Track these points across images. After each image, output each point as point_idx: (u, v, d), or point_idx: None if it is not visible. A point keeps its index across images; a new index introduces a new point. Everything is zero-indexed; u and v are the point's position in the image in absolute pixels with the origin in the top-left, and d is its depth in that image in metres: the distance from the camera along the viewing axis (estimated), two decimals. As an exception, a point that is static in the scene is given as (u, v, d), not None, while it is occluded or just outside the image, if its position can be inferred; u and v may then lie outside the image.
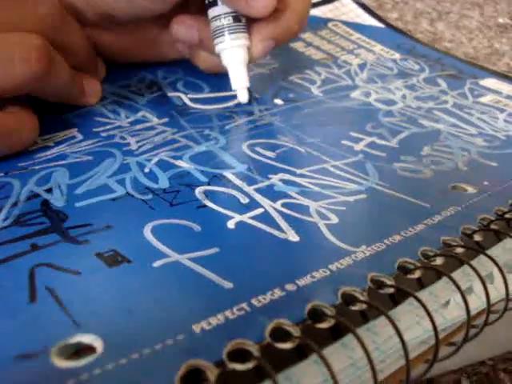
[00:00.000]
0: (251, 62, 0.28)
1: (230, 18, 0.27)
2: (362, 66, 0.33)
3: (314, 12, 0.40)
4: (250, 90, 0.28)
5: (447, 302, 0.17)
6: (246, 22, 0.27)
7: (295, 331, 0.14)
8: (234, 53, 0.27)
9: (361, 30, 0.38)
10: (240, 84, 0.28)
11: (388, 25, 0.39)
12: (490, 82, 0.32)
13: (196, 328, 0.14)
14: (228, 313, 0.14)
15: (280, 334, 0.14)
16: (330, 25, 0.39)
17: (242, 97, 0.28)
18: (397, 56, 0.35)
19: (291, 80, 0.31)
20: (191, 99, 0.29)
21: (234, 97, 0.29)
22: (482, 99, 0.30)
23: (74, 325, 0.14)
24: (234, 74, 0.28)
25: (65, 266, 0.17)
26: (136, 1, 0.26)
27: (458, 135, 0.26)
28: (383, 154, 0.24)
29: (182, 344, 0.13)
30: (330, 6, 0.40)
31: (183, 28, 0.28)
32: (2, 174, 0.22)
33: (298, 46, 0.36)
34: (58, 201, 0.20)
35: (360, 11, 0.41)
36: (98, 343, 0.14)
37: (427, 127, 0.27)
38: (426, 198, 0.21)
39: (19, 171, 0.22)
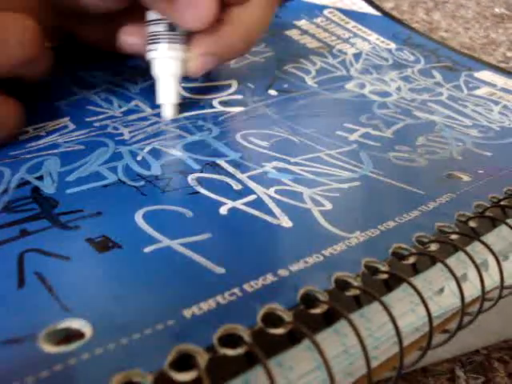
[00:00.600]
0: (188, 76, 0.26)
1: (166, 25, 0.24)
2: (357, 56, 0.33)
3: (311, -1, 0.40)
4: (179, 105, 0.27)
5: (441, 289, 0.17)
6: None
7: (287, 316, 0.14)
8: (165, 64, 0.25)
9: (357, 18, 0.38)
10: (167, 99, 0.26)
11: (384, 13, 0.39)
12: (485, 75, 0.32)
13: (187, 313, 0.14)
14: (219, 298, 0.14)
15: (272, 319, 0.14)
16: (325, 12, 0.39)
17: (167, 113, 0.26)
18: (392, 46, 0.35)
19: (286, 70, 0.31)
20: (185, 88, 0.28)
21: (229, 87, 0.29)
22: (477, 92, 0.30)
23: (62, 310, 0.14)
24: (163, 87, 0.25)
25: (54, 251, 0.16)
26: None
27: (452, 126, 0.26)
28: (378, 144, 0.24)
29: (172, 329, 0.13)
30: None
31: (128, 39, 0.26)
32: (-8, 162, 0.22)
33: (293, 33, 0.35)
34: (48, 188, 0.20)
35: (356, -1, 0.41)
36: (86, 328, 0.13)
37: (422, 119, 0.27)
38: (420, 185, 0.21)
39: (10, 160, 0.22)
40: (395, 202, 0.20)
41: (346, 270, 0.16)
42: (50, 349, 0.13)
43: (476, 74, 0.32)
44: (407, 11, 0.41)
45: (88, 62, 0.30)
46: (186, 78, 0.29)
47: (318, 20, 0.37)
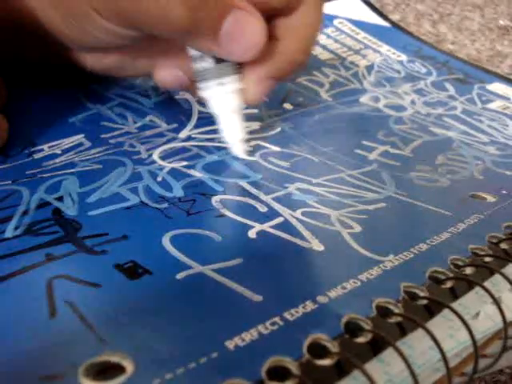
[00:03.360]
0: (248, 105, 0.24)
1: (212, 59, 0.22)
2: (369, 68, 0.33)
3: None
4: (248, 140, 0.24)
5: (477, 314, 0.17)
6: None
7: (333, 346, 0.13)
8: (222, 101, 0.22)
9: (367, 28, 0.38)
10: (234, 137, 0.23)
11: (393, 24, 0.39)
12: (498, 87, 0.32)
13: (229, 345, 0.13)
14: (261, 328, 0.14)
15: (317, 349, 0.13)
16: (335, 22, 0.39)
17: (238, 150, 0.24)
18: (404, 58, 0.35)
19: (299, 82, 0.31)
20: (199, 102, 0.28)
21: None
22: (491, 105, 0.30)
23: (99, 342, 0.13)
24: (226, 126, 0.23)
25: (83, 278, 0.16)
26: (93, 34, 0.22)
27: (470, 143, 0.26)
28: (398, 164, 0.24)
29: (217, 362, 0.13)
30: (335, 3, 0.40)
31: (168, 76, 0.24)
32: (9, 182, 0.21)
33: (303, 45, 0.35)
34: (69, 209, 0.20)
35: (365, 9, 0.40)
36: (126, 362, 0.13)
37: (439, 135, 0.27)
38: (446, 206, 0.21)
39: (27, 179, 0.21)
40: (424, 223, 0.20)
41: (384, 295, 0.15)
42: (90, 384, 0.12)
43: (488, 87, 0.32)
44: (413, 23, 0.41)
45: (99, 75, 0.30)
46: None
47: (329, 30, 0.37)
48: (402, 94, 0.30)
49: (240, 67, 0.22)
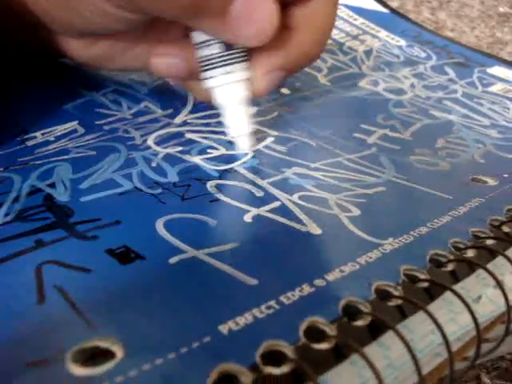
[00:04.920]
0: (255, 98, 0.22)
1: (221, 44, 0.20)
2: (367, 53, 0.32)
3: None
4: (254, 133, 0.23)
5: (479, 297, 0.16)
6: None
7: (331, 330, 0.13)
8: (228, 91, 0.21)
9: (365, 14, 0.37)
10: (240, 130, 0.22)
11: (392, 10, 0.38)
12: (498, 70, 0.31)
13: (223, 329, 0.13)
14: (256, 311, 0.13)
15: (314, 332, 0.13)
16: (333, 9, 0.38)
17: (244, 145, 0.22)
18: (402, 43, 0.34)
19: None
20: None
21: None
22: (492, 88, 0.29)
23: (89, 327, 0.13)
24: (231, 118, 0.22)
25: (74, 263, 0.16)
26: (85, 15, 0.20)
27: (470, 126, 0.26)
28: (397, 147, 0.24)
29: (210, 346, 0.12)
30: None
31: (164, 62, 0.22)
32: (1, 169, 0.21)
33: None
34: (61, 195, 0.19)
35: (365, -6, 0.40)
36: (116, 347, 0.12)
37: (439, 118, 0.26)
38: (446, 190, 0.20)
39: (19, 166, 0.21)
40: (424, 207, 0.19)
41: (383, 278, 0.15)
42: (79, 370, 0.12)
43: (489, 70, 0.31)
44: (412, 10, 0.41)
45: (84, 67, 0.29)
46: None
47: (326, 18, 0.37)
48: (401, 78, 0.30)
49: (248, 55, 0.21)
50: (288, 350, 0.12)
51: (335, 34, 0.34)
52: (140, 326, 0.13)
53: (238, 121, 0.22)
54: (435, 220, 0.18)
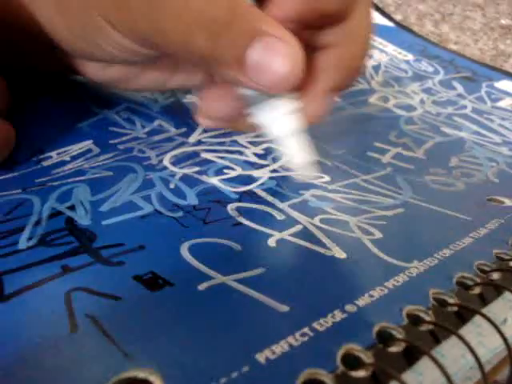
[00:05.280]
0: (312, 124, 0.21)
1: None
2: (376, 68, 0.33)
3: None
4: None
5: (505, 320, 0.17)
6: None
7: (367, 357, 0.13)
8: (281, 124, 0.19)
9: (371, 28, 0.38)
10: (299, 160, 0.20)
11: (397, 24, 0.39)
12: (506, 85, 0.32)
13: (260, 357, 0.13)
14: (291, 339, 0.13)
15: (350, 359, 0.13)
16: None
17: (306, 173, 0.21)
18: (410, 57, 0.34)
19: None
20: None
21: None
22: (501, 103, 0.30)
23: (125, 357, 0.13)
24: (289, 150, 0.20)
25: (102, 290, 0.15)
26: (103, 47, 0.20)
27: (482, 144, 0.26)
28: (412, 167, 0.24)
29: (249, 376, 0.12)
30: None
31: (215, 106, 0.21)
32: (19, 191, 0.21)
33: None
34: (82, 219, 0.19)
35: (370, 9, 0.40)
36: (154, 377, 0.12)
37: (451, 135, 0.26)
38: (464, 211, 0.20)
39: (37, 187, 0.21)
40: (444, 229, 0.19)
41: (412, 302, 0.15)
42: (119, 402, 0.12)
43: (496, 84, 0.32)
44: (415, 23, 0.41)
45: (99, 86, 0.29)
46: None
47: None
48: (410, 94, 0.30)
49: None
50: (327, 378, 0.12)
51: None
52: (176, 356, 0.13)
53: (296, 151, 0.20)
54: (457, 242, 0.18)
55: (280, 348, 0.13)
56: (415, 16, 0.43)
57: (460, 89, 0.31)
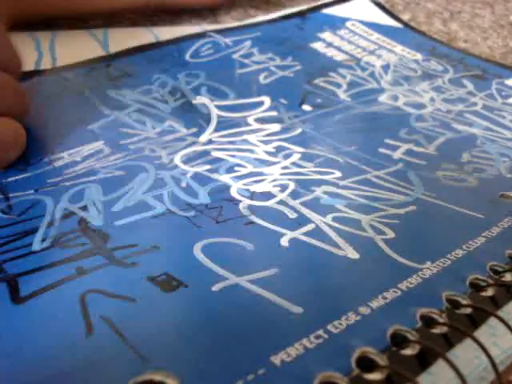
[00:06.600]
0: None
1: None
2: (385, 68, 0.32)
3: (331, 11, 0.39)
4: None
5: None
6: None
7: (381, 360, 0.13)
8: None
9: (379, 29, 0.38)
10: None
11: (405, 24, 0.38)
12: (516, 82, 0.31)
13: (275, 360, 0.13)
14: (306, 342, 0.14)
15: (365, 362, 0.13)
16: (348, 24, 0.38)
17: None
18: (418, 56, 0.34)
19: (316, 84, 0.30)
20: (217, 106, 0.28)
21: (261, 103, 0.28)
22: (511, 100, 0.30)
23: (141, 360, 0.13)
24: None
25: (117, 291, 0.16)
26: None
27: (494, 140, 0.26)
28: (423, 162, 0.24)
29: (265, 379, 0.12)
30: (346, 5, 0.39)
31: None
32: (32, 192, 0.21)
33: (318, 46, 0.35)
34: (95, 219, 0.19)
35: (377, 11, 0.40)
36: (170, 380, 0.13)
37: (462, 132, 0.26)
38: (476, 208, 0.20)
39: (49, 188, 0.21)
40: (457, 227, 0.19)
41: (425, 304, 0.15)
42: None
43: (507, 82, 0.32)
44: (424, 22, 0.41)
45: (114, 80, 0.29)
46: (215, 95, 0.28)
47: (342, 32, 0.37)
48: (420, 92, 0.30)
49: None
50: (343, 381, 0.12)
51: (352, 49, 0.35)
52: (192, 358, 0.13)
53: None
54: (470, 242, 0.18)
55: (295, 351, 0.13)
56: (424, 14, 0.43)
57: (470, 87, 0.31)
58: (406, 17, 0.42)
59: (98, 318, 0.15)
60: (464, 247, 0.18)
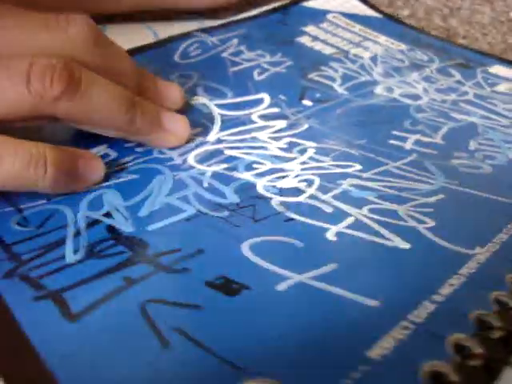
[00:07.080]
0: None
1: None
2: (374, 59, 0.33)
3: (311, 4, 0.39)
4: None
5: None
6: None
7: (476, 346, 0.13)
8: None
9: (360, 21, 0.38)
10: None
11: (385, 15, 0.39)
12: (499, 69, 0.32)
13: (372, 354, 0.13)
14: (395, 333, 0.13)
15: (460, 349, 0.13)
16: (329, 17, 0.38)
17: None
18: (403, 47, 0.35)
19: (311, 78, 0.30)
20: (217, 105, 0.27)
21: (261, 100, 0.27)
22: (499, 88, 0.31)
23: (236, 370, 0.12)
24: None
25: (177, 299, 0.15)
26: None
27: (494, 127, 0.27)
28: (434, 152, 0.24)
29: (369, 375, 0.12)
30: (323, -2, 0.39)
31: None
32: (45, 201, 0.19)
33: (304, 40, 0.34)
34: (124, 226, 0.18)
35: (356, 2, 0.40)
36: (270, 387, 0.12)
37: (461, 121, 0.27)
38: (501, 193, 0.21)
39: (62, 196, 0.19)
40: (491, 212, 0.20)
41: (490, 287, 0.15)
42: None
43: (490, 70, 0.33)
44: (424, 18, 0.42)
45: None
46: (213, 94, 0.28)
47: (324, 25, 0.37)
48: (412, 83, 0.30)
49: None
50: (446, 369, 0.12)
51: (338, 41, 0.35)
52: (287, 361, 0.12)
53: None
54: (508, 226, 0.18)
55: (387, 343, 0.13)
56: (423, 11, 0.43)
57: (458, 76, 0.31)
58: (405, 13, 0.42)
59: (168, 329, 0.14)
60: (505, 231, 0.18)
